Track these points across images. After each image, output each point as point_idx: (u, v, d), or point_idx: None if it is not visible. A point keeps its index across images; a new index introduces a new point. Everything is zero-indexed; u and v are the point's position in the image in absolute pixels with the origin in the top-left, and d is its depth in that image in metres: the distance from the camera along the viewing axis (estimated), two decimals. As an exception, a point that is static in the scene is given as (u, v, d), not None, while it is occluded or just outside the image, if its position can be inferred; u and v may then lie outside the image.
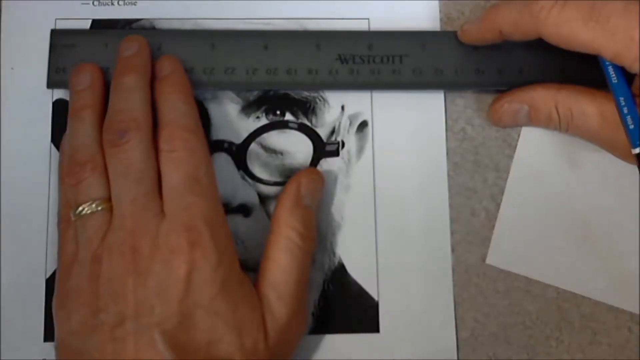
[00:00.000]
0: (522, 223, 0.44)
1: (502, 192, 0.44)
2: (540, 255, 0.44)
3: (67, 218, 0.39)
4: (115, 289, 0.37)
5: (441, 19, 0.46)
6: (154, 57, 0.42)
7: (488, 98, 0.45)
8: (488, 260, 0.44)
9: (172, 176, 0.38)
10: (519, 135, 0.45)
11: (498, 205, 0.44)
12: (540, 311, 0.44)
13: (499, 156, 0.45)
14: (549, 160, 0.44)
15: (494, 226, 0.44)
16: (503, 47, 0.43)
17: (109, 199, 0.38)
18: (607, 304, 0.43)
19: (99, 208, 0.38)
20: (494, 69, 0.44)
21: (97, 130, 0.40)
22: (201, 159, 0.39)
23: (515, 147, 0.45)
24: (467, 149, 0.45)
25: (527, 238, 0.44)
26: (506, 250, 0.44)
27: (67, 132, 0.41)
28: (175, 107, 0.40)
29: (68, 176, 0.39)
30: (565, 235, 0.44)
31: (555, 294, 0.44)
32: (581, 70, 0.43)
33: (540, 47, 0.42)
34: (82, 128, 0.40)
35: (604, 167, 0.44)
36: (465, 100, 0.45)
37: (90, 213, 0.38)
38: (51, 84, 0.43)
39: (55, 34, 0.44)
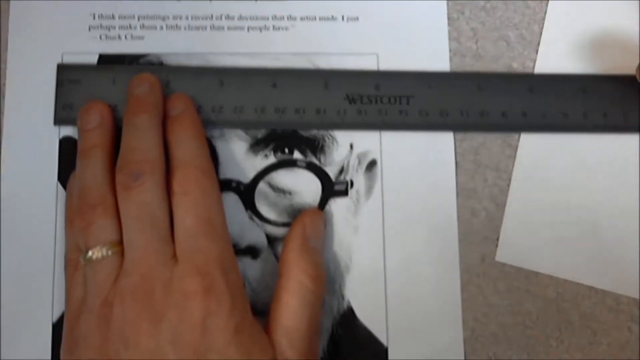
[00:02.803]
0: (530, 218, 0.46)
1: (502, 192, 0.46)
2: (551, 250, 0.45)
3: (75, 262, 0.40)
4: (127, 334, 0.37)
5: (450, 50, 0.47)
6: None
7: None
8: (498, 257, 0.45)
9: (186, 219, 0.39)
10: (519, 135, 0.47)
11: (498, 205, 0.46)
12: (540, 311, 0.45)
13: (499, 156, 0.47)
14: (552, 155, 0.47)
15: (494, 226, 0.46)
16: (507, 90, 0.45)
17: (120, 242, 0.39)
18: (607, 304, 0.45)
19: (110, 252, 0.39)
20: (498, 111, 0.46)
21: (108, 170, 0.41)
22: (214, 202, 0.40)
23: (516, 147, 0.46)
24: (467, 149, 0.46)
25: (536, 233, 0.46)
26: (516, 246, 0.45)
27: (76, 171, 0.42)
28: (188, 147, 0.41)
29: (78, 218, 0.40)
30: (576, 228, 0.46)
31: (555, 294, 0.45)
32: (582, 116, 0.45)
33: (542, 91, 0.45)
34: (92, 168, 0.41)
35: (607, 161, 0.46)
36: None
37: (100, 258, 0.39)
38: (58, 120, 0.44)
39: (62, 69, 0.45)
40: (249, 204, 0.45)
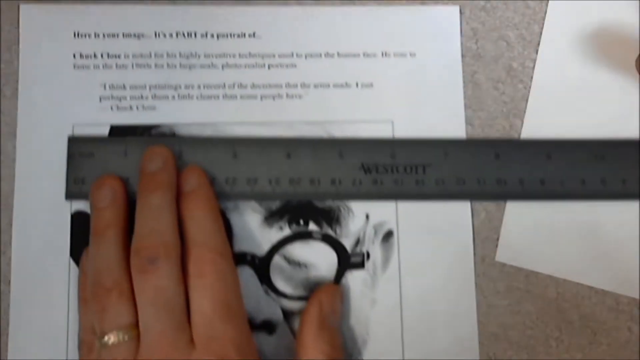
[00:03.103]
0: (530, 218, 0.46)
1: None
2: (551, 250, 0.46)
3: (90, 344, 0.40)
4: (145, 422, 0.37)
5: (467, 122, 0.47)
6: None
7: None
8: (498, 257, 0.46)
9: (202, 303, 0.39)
10: (519, 136, 0.47)
11: (498, 205, 0.46)
12: (540, 311, 0.45)
13: None
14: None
15: (494, 226, 0.46)
16: (524, 157, 0.45)
17: (136, 325, 0.39)
18: (607, 304, 0.46)
19: (126, 337, 0.39)
20: (515, 179, 0.45)
21: (122, 249, 0.40)
22: (230, 283, 0.40)
23: None
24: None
25: (536, 233, 0.46)
26: (516, 246, 0.46)
27: (90, 251, 0.41)
28: (202, 226, 0.41)
29: (93, 301, 0.40)
30: (576, 228, 0.46)
31: (555, 294, 0.45)
32: (600, 183, 0.45)
33: (561, 158, 0.45)
34: (106, 249, 0.40)
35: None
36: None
37: (116, 343, 0.39)
38: (70, 195, 0.44)
39: (73, 142, 0.44)
40: (265, 278, 0.44)
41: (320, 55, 0.47)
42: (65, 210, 0.44)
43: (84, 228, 0.43)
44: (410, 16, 0.47)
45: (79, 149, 0.44)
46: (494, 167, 0.45)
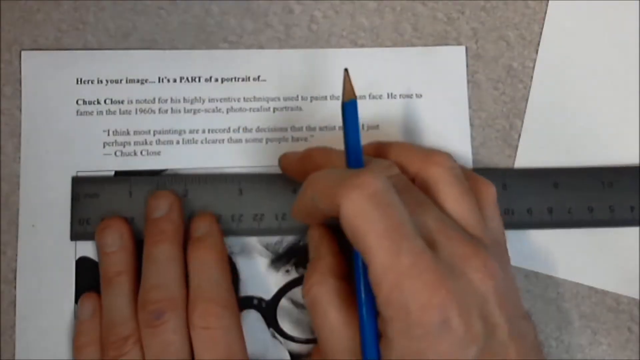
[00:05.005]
0: None
1: (502, 192, 0.46)
2: (551, 250, 0.46)
3: None
4: None
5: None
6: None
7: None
8: None
9: (206, 356, 0.39)
10: (519, 136, 0.47)
11: None
12: (540, 311, 0.45)
13: (499, 156, 0.47)
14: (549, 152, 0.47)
15: None
16: (532, 187, 0.46)
17: None
18: (607, 304, 0.46)
19: None
20: (523, 208, 0.45)
21: (135, 297, 0.41)
22: (235, 337, 0.40)
23: (516, 147, 0.47)
24: (468, 150, 0.46)
25: (536, 232, 0.46)
26: (516, 246, 0.45)
27: (103, 299, 0.42)
28: (208, 275, 0.41)
29: (111, 349, 0.40)
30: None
31: (555, 294, 0.45)
32: (609, 210, 0.46)
33: (568, 186, 0.45)
34: (119, 298, 0.41)
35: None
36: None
37: None
38: (74, 236, 0.44)
39: (77, 182, 0.44)
40: (272, 322, 0.44)
41: (326, 97, 0.47)
42: (70, 251, 0.44)
43: (88, 274, 0.44)
44: (416, 58, 0.48)
45: (84, 189, 0.44)
46: (501, 197, 0.44)
